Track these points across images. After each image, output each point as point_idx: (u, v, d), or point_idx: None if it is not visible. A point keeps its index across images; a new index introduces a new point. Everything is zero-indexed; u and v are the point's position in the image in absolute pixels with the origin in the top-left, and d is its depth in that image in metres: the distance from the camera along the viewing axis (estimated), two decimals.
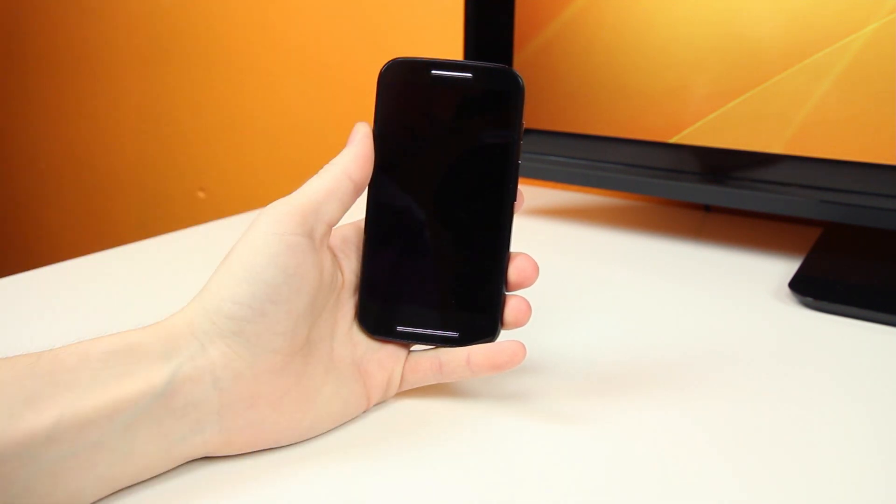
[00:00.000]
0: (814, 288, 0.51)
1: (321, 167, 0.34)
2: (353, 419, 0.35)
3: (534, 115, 0.62)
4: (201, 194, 1.15)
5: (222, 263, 0.31)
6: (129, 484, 0.29)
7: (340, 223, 0.35)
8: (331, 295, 0.34)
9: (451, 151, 0.35)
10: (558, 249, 0.62)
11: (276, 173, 1.06)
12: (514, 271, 0.35)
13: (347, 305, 0.35)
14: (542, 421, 0.35)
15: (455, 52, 0.80)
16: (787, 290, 0.52)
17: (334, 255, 0.35)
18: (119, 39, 1.18)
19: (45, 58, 1.28)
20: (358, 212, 0.36)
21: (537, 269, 0.35)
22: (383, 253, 0.35)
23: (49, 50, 1.27)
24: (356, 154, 0.34)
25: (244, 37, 1.04)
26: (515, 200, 0.35)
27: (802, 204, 0.53)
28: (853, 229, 0.61)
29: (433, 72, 0.34)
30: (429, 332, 0.35)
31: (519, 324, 0.35)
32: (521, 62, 0.63)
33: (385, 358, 0.35)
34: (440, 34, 0.87)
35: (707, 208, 0.75)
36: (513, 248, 0.35)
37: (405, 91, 0.34)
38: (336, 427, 0.34)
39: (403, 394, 0.37)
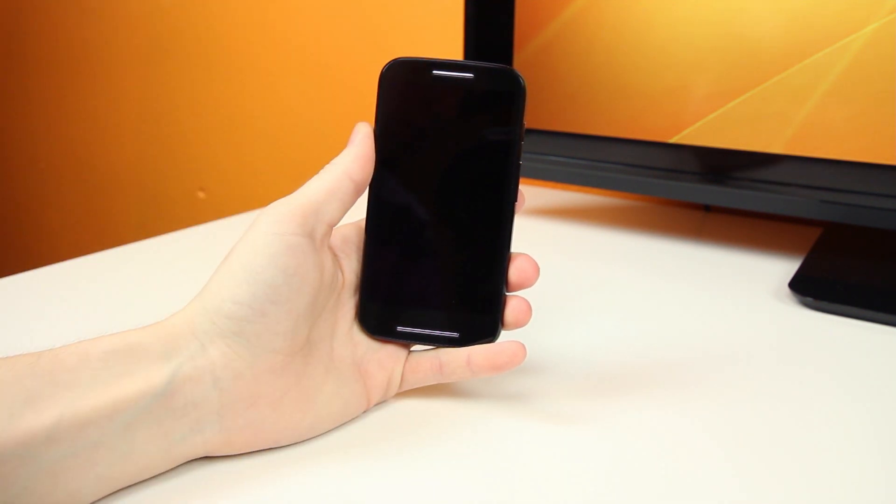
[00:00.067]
0: (814, 288, 0.51)
1: (321, 167, 0.34)
2: (353, 419, 0.35)
3: (534, 115, 0.62)
4: (201, 194, 1.15)
5: (222, 263, 0.31)
6: (129, 484, 0.29)
7: (341, 223, 0.35)
8: (331, 295, 0.34)
9: (452, 152, 0.35)
10: (558, 249, 0.62)
11: (276, 173, 1.06)
12: (514, 272, 0.35)
13: (348, 305, 0.35)
14: (542, 421, 0.35)
15: (455, 52, 0.80)
16: (787, 290, 0.52)
17: (335, 255, 0.35)
18: (119, 39, 1.18)
19: (45, 58, 1.28)
20: (359, 212, 0.36)
21: (538, 269, 0.35)
22: (384, 253, 0.35)
23: (49, 50, 1.27)
24: (357, 154, 0.34)
25: (244, 37, 1.04)
26: (516, 201, 0.35)
27: (802, 204, 0.53)
28: (853, 229, 0.61)
29: (434, 72, 0.34)
30: (429, 332, 0.35)
31: (519, 324, 0.35)
32: (521, 62, 0.63)
33: (385, 358, 0.35)
34: (440, 34, 0.87)
35: (707, 208, 0.75)
36: (513, 248, 0.35)
37: (406, 91, 0.34)
38: (336, 427, 0.34)
39: (403, 394, 0.37)
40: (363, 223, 0.36)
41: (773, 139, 0.54)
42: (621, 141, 0.60)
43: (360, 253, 0.36)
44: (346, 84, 0.96)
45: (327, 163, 0.34)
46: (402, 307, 0.35)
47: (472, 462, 0.32)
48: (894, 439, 0.35)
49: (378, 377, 0.35)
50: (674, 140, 0.57)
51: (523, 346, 0.34)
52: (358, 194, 0.34)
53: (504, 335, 0.35)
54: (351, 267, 0.36)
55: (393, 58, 0.34)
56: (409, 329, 0.35)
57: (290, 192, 0.33)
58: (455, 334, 0.35)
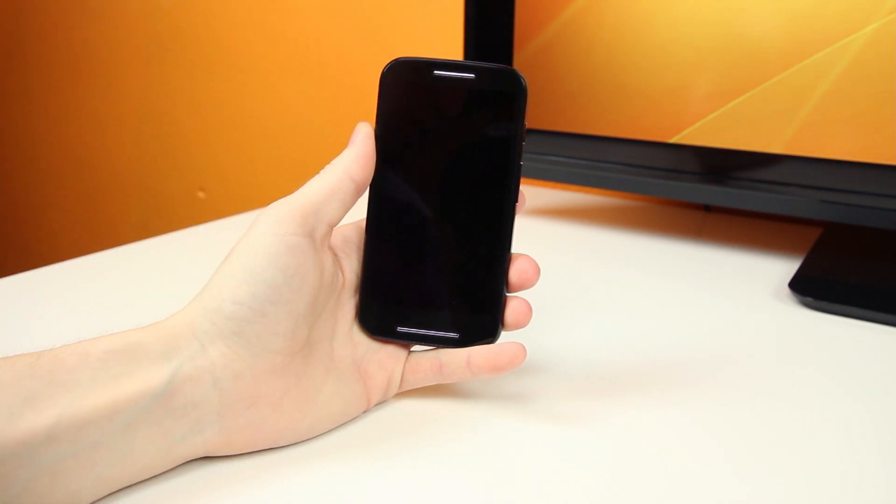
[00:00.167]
0: (814, 288, 0.51)
1: (321, 167, 0.34)
2: (352, 419, 0.35)
3: (534, 115, 0.62)
4: (201, 194, 1.15)
5: (222, 264, 0.31)
6: (129, 484, 0.29)
7: (341, 223, 0.35)
8: (331, 295, 0.34)
9: (453, 152, 0.35)
10: (558, 249, 0.62)
11: (276, 173, 1.06)
12: (515, 273, 0.35)
13: (348, 305, 0.35)
14: (542, 421, 0.35)
15: (455, 52, 0.80)
16: (787, 290, 0.52)
17: (335, 255, 0.35)
18: (119, 39, 1.18)
19: (45, 58, 1.28)
20: (359, 212, 0.36)
21: (538, 270, 0.35)
22: (384, 253, 0.35)
23: (49, 50, 1.27)
24: (357, 154, 0.34)
25: (244, 37, 1.04)
26: (517, 201, 0.35)
27: (802, 204, 0.53)
28: (853, 229, 0.61)
29: (435, 72, 0.34)
30: (429, 332, 0.35)
31: (520, 325, 0.35)
32: (521, 62, 0.62)
33: (385, 358, 0.35)
34: (440, 34, 0.87)
35: (707, 208, 0.75)
36: (514, 248, 0.35)
37: (407, 91, 0.34)
38: (336, 427, 0.34)
39: (403, 394, 0.37)
40: (363, 223, 0.36)
41: (773, 139, 0.54)
42: (621, 141, 0.60)
43: (361, 253, 0.36)
44: (346, 84, 0.96)
45: (327, 163, 0.34)
46: (402, 307, 0.35)
47: (472, 462, 0.32)
48: (894, 439, 0.35)
49: (378, 377, 0.35)
50: (674, 140, 0.57)
51: (523, 347, 0.34)
52: (358, 194, 0.34)
53: (504, 336, 0.35)
54: (351, 267, 0.36)
55: (393, 58, 0.34)
56: (409, 329, 0.35)
57: (290, 192, 0.33)
58: (455, 335, 0.35)
